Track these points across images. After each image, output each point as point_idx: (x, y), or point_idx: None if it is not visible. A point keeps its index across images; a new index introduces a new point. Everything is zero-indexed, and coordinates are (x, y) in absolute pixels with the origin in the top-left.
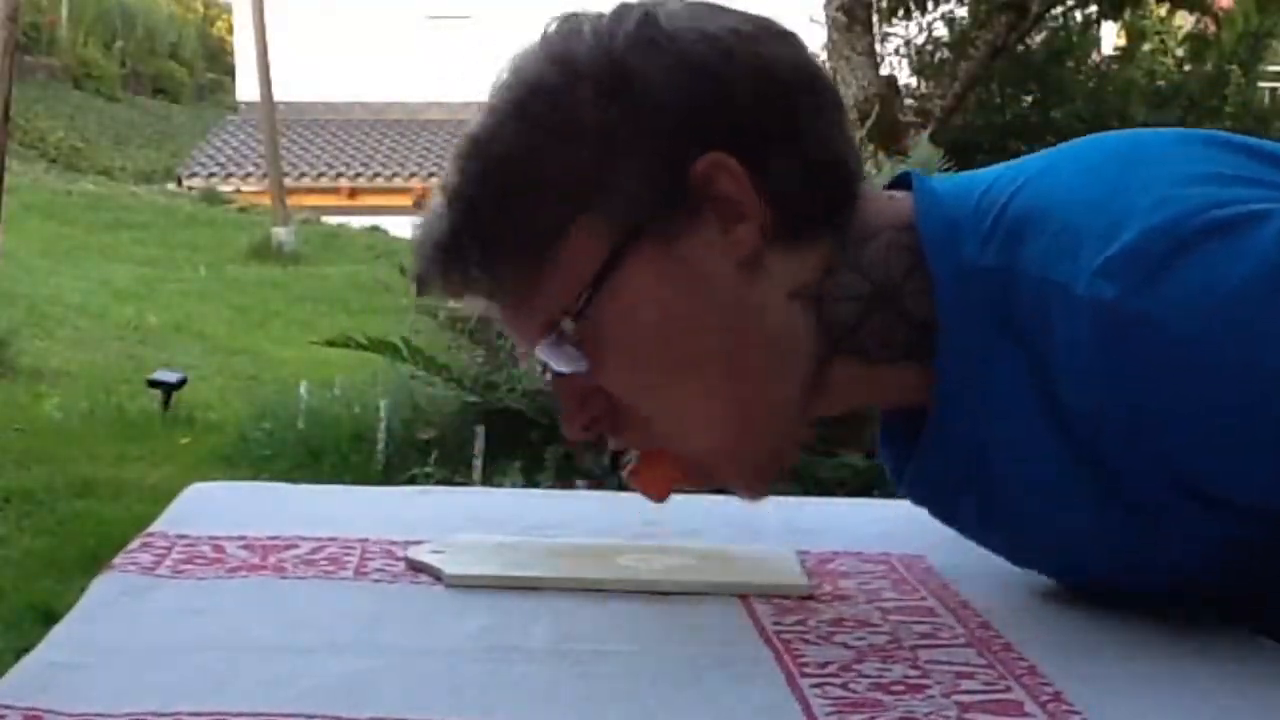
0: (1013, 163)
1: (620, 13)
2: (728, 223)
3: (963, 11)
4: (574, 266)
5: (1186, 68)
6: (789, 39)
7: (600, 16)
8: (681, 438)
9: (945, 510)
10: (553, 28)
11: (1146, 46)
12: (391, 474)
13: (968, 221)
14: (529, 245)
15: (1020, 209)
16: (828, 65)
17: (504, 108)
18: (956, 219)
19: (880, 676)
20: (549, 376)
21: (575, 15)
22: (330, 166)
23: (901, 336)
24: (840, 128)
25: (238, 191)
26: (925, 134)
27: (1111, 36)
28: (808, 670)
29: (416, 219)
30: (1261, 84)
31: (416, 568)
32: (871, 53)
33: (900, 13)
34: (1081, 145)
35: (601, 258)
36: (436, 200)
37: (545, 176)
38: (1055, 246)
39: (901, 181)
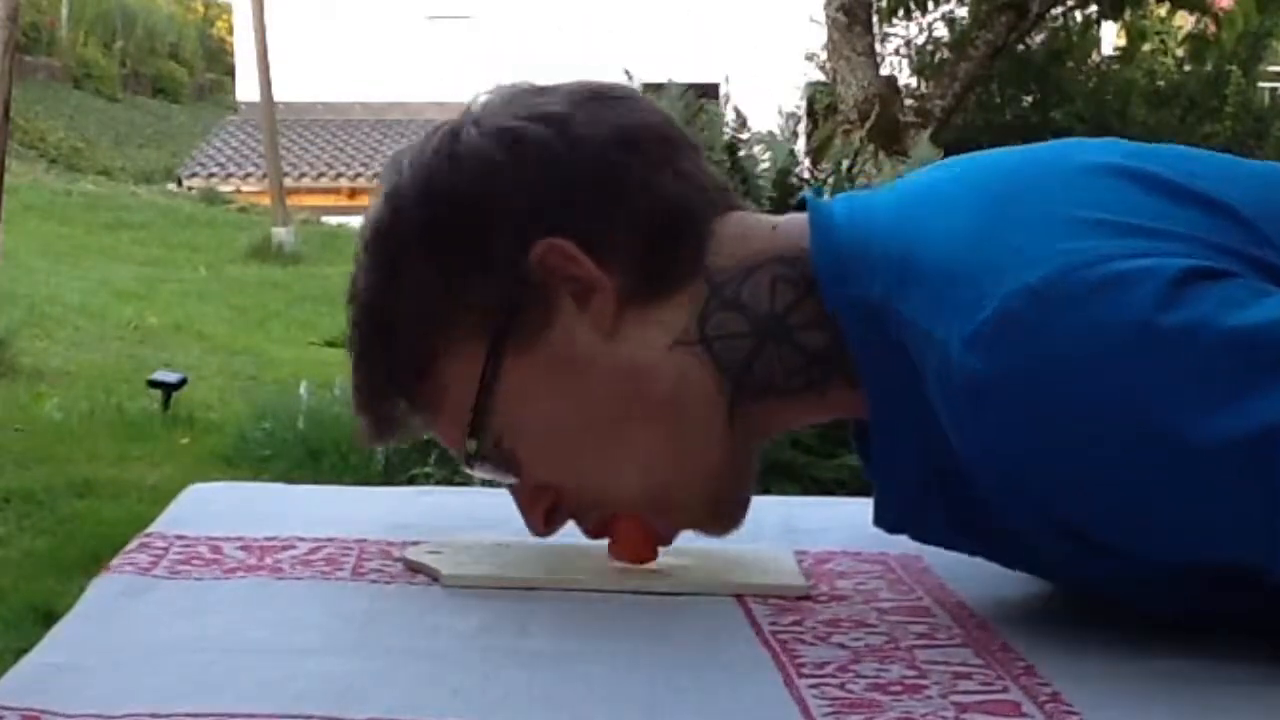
0: (916, 180)
1: (430, 135)
2: (581, 301)
3: (963, 11)
4: (459, 385)
5: (1186, 68)
6: (608, 96)
7: (414, 145)
8: (631, 503)
9: (920, 529)
10: (385, 170)
11: (1146, 46)
12: (391, 474)
13: (858, 253)
14: (410, 379)
15: (903, 248)
16: (828, 65)
17: (360, 255)
18: (847, 251)
19: (878, 677)
20: (502, 485)
21: (400, 154)
22: (330, 166)
23: (800, 366)
24: (678, 172)
25: (238, 192)
26: (925, 134)
27: (1111, 36)
28: (805, 671)
29: None
30: (1261, 84)
31: (414, 568)
32: (871, 53)
33: (900, 13)
34: (971, 171)
35: (476, 375)
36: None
37: (399, 313)
38: (930, 297)
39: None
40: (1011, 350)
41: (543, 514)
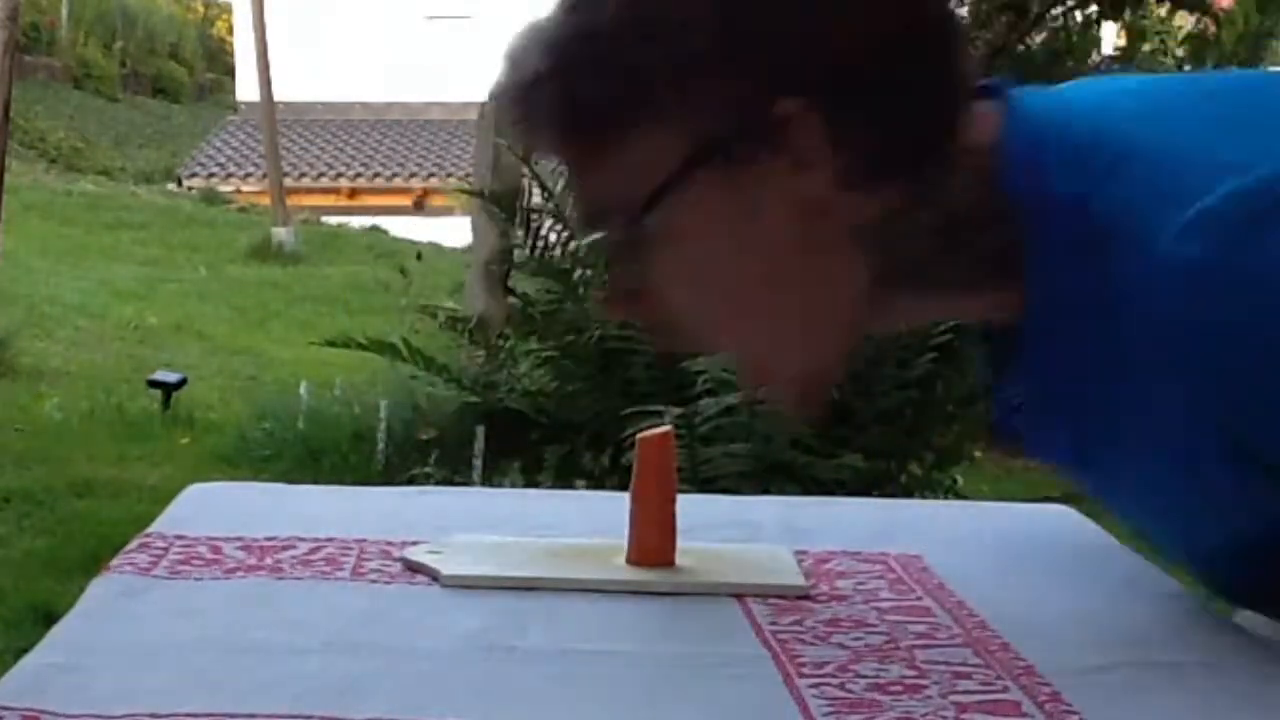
0: (1120, 83)
1: None
2: (798, 167)
3: (963, 11)
4: (642, 165)
5: (1186, 68)
6: None
7: None
8: (722, 349)
9: (1037, 441)
10: None
11: (1146, 46)
12: (391, 474)
13: (1057, 148)
14: (600, 123)
15: (1115, 146)
16: None
17: None
18: (1045, 144)
19: (877, 676)
20: (600, 257)
21: None
22: (330, 166)
23: (981, 265)
24: (946, 69)
25: (238, 192)
26: None
27: (1111, 36)
28: (805, 670)
29: (491, 93)
30: None
31: (413, 568)
32: None
33: None
34: (1182, 83)
35: (668, 168)
36: (530, 39)
37: (639, 60)
38: (1140, 195)
39: (990, 91)
40: (1230, 241)
41: (624, 310)
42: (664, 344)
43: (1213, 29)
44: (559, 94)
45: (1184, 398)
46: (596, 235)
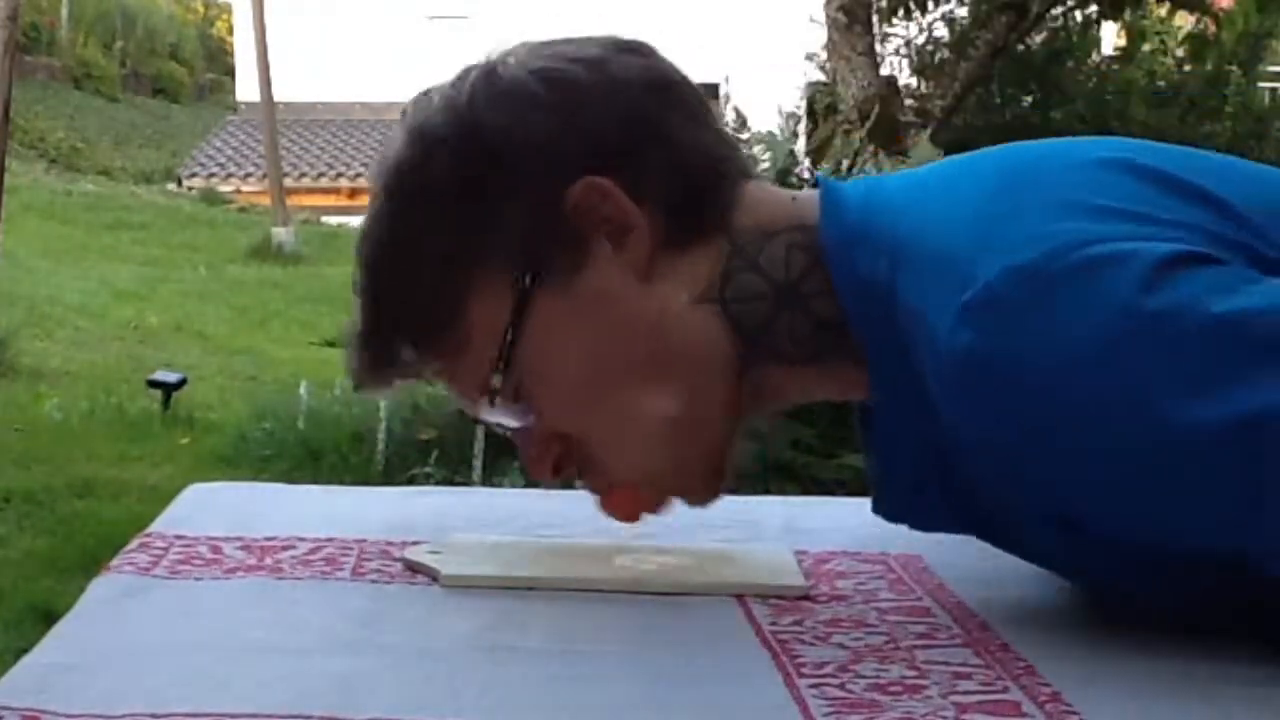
0: (928, 168)
1: (463, 74)
2: (616, 241)
3: (963, 11)
4: (486, 326)
5: (1186, 68)
6: (638, 50)
7: (446, 84)
8: (629, 457)
9: (918, 516)
10: (409, 106)
11: (1146, 46)
12: (391, 474)
13: (864, 232)
14: (437, 318)
15: (906, 229)
16: (828, 65)
17: (378, 194)
18: (855, 228)
19: (878, 677)
20: (508, 431)
21: (428, 90)
22: (330, 166)
23: (810, 334)
24: (707, 126)
25: (238, 192)
26: (925, 134)
27: (1111, 36)
28: (805, 671)
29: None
30: (1261, 84)
31: (413, 568)
32: (871, 53)
33: (900, 13)
34: (977, 161)
35: (508, 310)
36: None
37: (428, 250)
38: (925, 277)
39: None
40: (998, 327)
41: (551, 463)
42: (596, 483)
43: (1213, 29)
44: (392, 316)
45: (1001, 479)
46: (490, 414)
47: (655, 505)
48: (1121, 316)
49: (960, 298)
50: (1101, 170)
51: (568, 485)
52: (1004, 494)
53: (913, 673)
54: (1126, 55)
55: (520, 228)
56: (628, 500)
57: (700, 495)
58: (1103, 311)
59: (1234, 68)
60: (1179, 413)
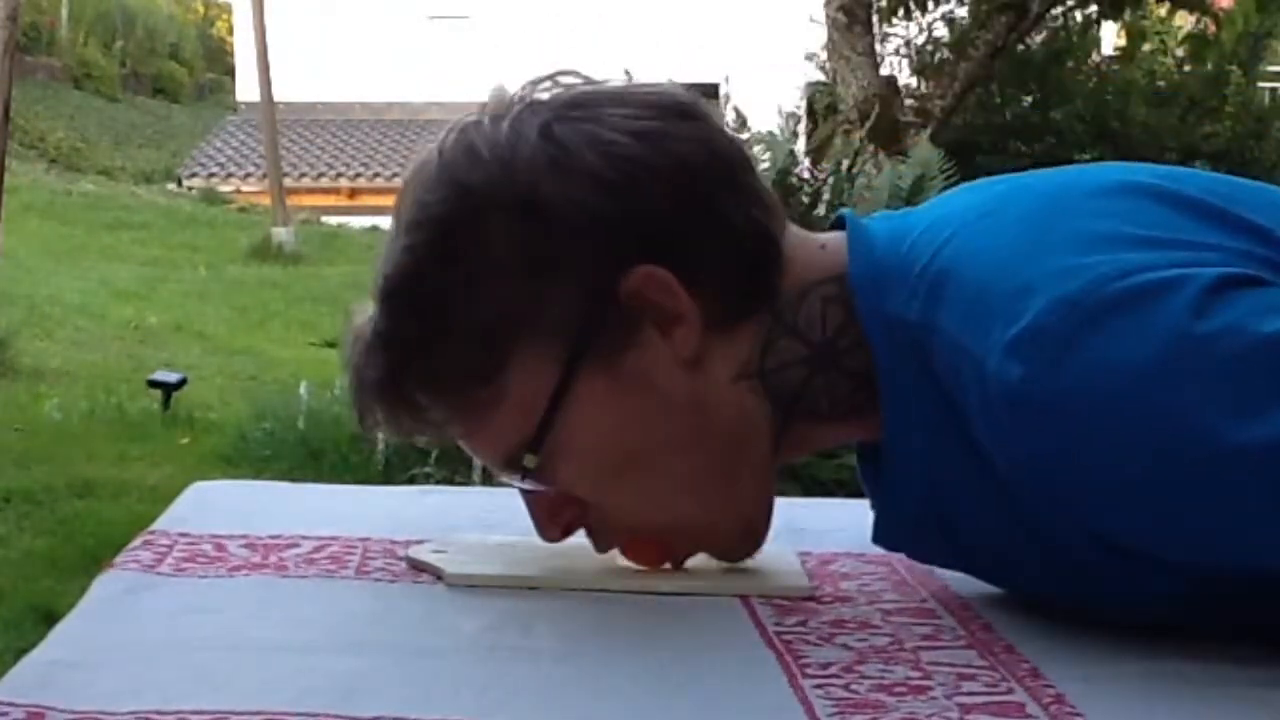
0: (952, 199)
1: (517, 126)
2: (665, 329)
3: (963, 11)
4: (523, 397)
5: (1186, 68)
6: (691, 113)
7: (496, 128)
8: (666, 529)
9: (918, 550)
10: (449, 142)
11: (1146, 46)
12: (391, 474)
13: (896, 271)
14: (472, 383)
15: (942, 264)
16: (828, 65)
17: (419, 248)
18: (886, 268)
19: (882, 678)
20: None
21: (468, 132)
22: (330, 166)
23: (845, 393)
24: (754, 192)
25: (238, 191)
26: (925, 134)
27: (1111, 36)
28: (810, 671)
29: (344, 352)
30: (1261, 84)
31: (417, 567)
32: (871, 53)
33: (900, 13)
34: (1008, 191)
35: (549, 386)
36: (363, 341)
37: (475, 316)
38: (969, 312)
39: (841, 223)
40: (1049, 359)
41: (564, 525)
42: (606, 544)
43: (1213, 29)
44: (429, 370)
45: (1052, 506)
46: (514, 477)
47: (681, 558)
48: (1173, 342)
49: (1007, 332)
50: (1132, 197)
51: None
52: (1048, 516)
53: (917, 674)
54: (1126, 55)
55: (574, 308)
56: (652, 550)
57: (737, 553)
58: (1155, 338)
59: (1234, 68)
60: (1230, 432)
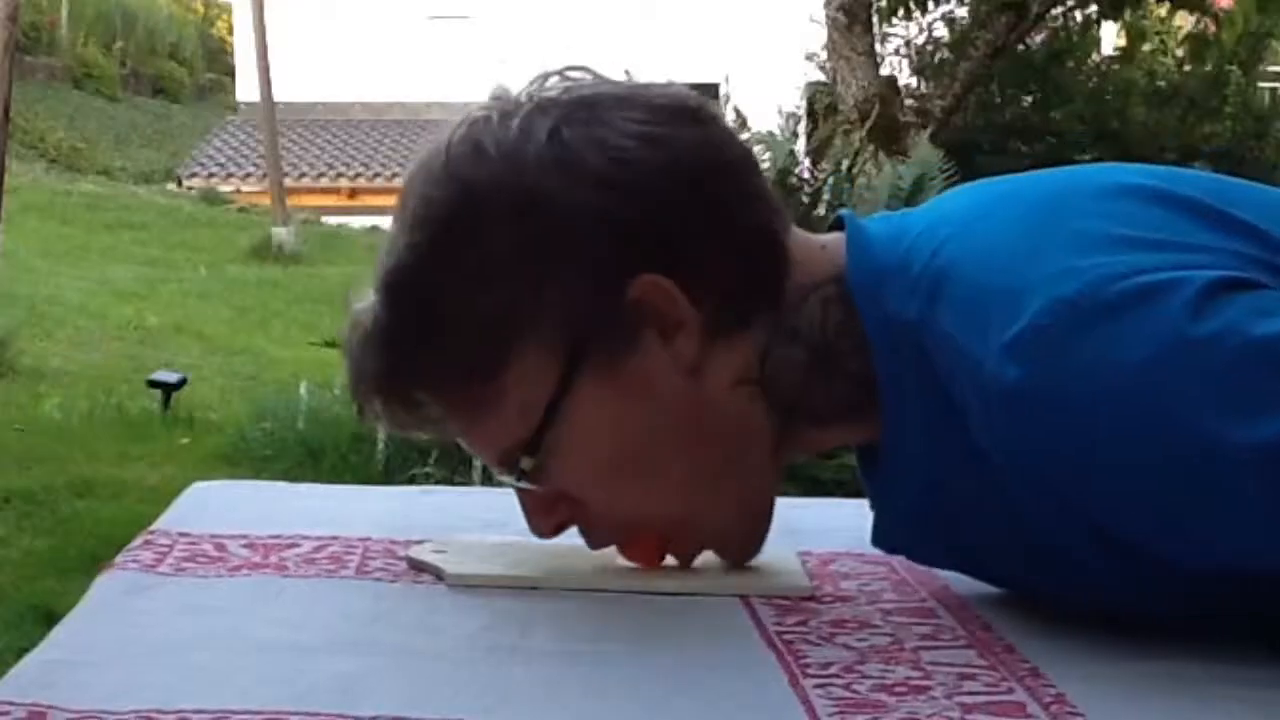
0: (951, 199)
1: (525, 126)
2: (667, 336)
3: (963, 11)
4: (522, 395)
5: (1186, 68)
6: (698, 117)
7: (505, 126)
8: (661, 527)
9: (917, 551)
10: (457, 138)
11: (1146, 46)
12: (391, 474)
13: (895, 271)
14: (471, 381)
15: (941, 264)
16: (828, 65)
17: (422, 244)
18: (885, 268)
19: (883, 678)
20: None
21: (476, 125)
22: (330, 166)
23: (845, 395)
24: (760, 197)
25: (238, 192)
26: (925, 134)
27: (1111, 36)
28: (810, 671)
29: (344, 342)
30: (1261, 84)
31: (418, 567)
32: (871, 53)
33: (900, 13)
34: (1006, 192)
35: (549, 386)
36: (363, 330)
37: (476, 313)
38: (967, 313)
39: (840, 223)
40: (1047, 360)
41: (556, 522)
42: (600, 541)
43: (1213, 29)
44: (421, 366)
45: (1049, 506)
46: (502, 476)
47: (683, 559)
48: (1170, 344)
49: (1005, 333)
50: (1130, 199)
51: None
52: (1047, 517)
53: (918, 673)
54: (1126, 55)
55: (575, 309)
56: (650, 549)
57: (734, 553)
58: (1151, 340)
59: (1234, 68)
60: (1225, 433)
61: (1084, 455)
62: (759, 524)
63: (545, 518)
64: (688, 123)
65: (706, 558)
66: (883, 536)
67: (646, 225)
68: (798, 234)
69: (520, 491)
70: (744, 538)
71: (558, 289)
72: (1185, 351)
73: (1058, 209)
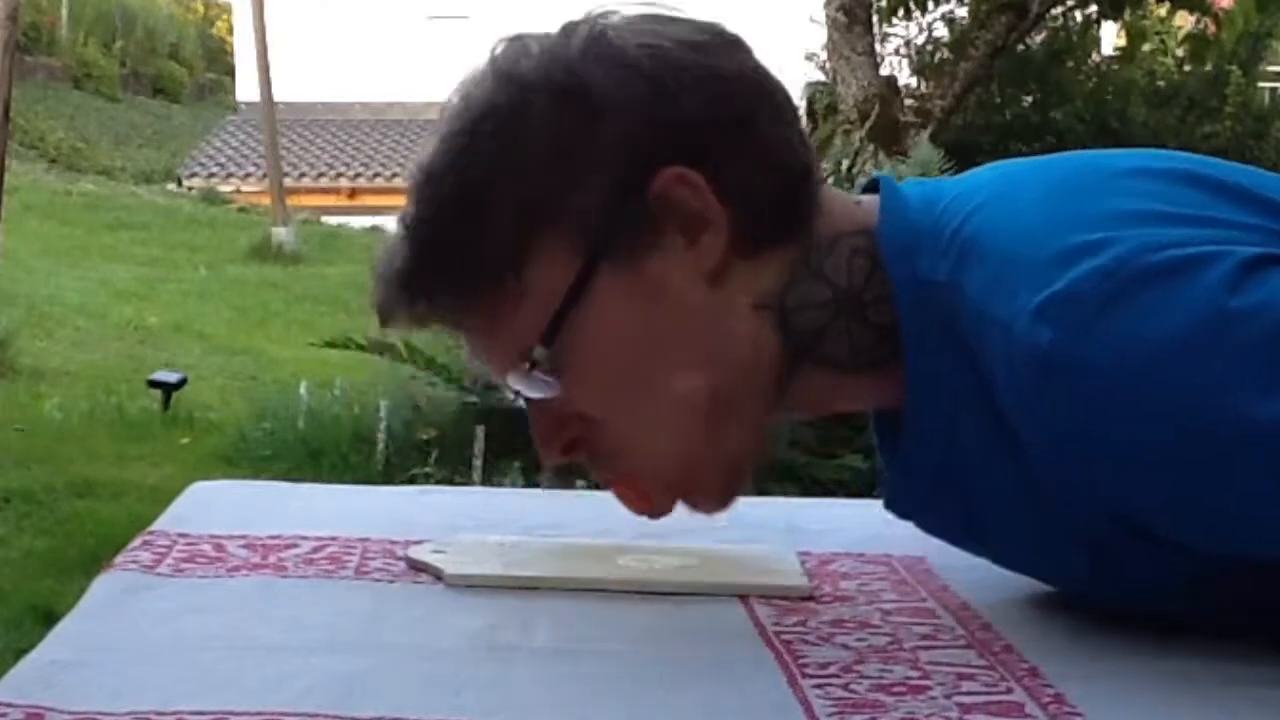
0: (983, 172)
1: (568, 29)
2: (692, 235)
3: (963, 11)
4: (541, 290)
5: (1186, 68)
6: (738, 45)
7: (548, 35)
8: (650, 452)
9: (929, 520)
10: (499, 49)
11: (1146, 46)
12: (391, 474)
13: (927, 233)
14: (492, 270)
15: (972, 230)
16: (828, 65)
17: (455, 134)
18: (918, 229)
19: (881, 678)
20: (522, 401)
21: (521, 36)
22: (330, 166)
23: (866, 343)
24: (795, 130)
25: (238, 192)
26: (925, 134)
27: (1111, 36)
28: (809, 671)
29: (378, 250)
30: (1261, 84)
31: (417, 567)
32: (871, 53)
33: (900, 13)
34: (1038, 166)
35: (568, 280)
36: (396, 231)
37: (502, 198)
38: (996, 278)
39: (874, 186)
40: (1081, 325)
41: (563, 443)
42: (603, 471)
43: (1213, 29)
44: (446, 257)
45: (1071, 477)
46: (517, 381)
47: (662, 505)
48: (1207, 316)
49: (1037, 297)
50: (1161, 180)
51: (567, 485)
52: (1071, 495)
53: (916, 673)
54: (1126, 55)
55: (603, 197)
56: (644, 488)
57: (711, 500)
58: (1188, 311)
59: (1234, 68)
60: (1258, 410)
61: (1110, 423)
62: (741, 473)
63: (554, 438)
64: (732, 46)
65: (707, 556)
66: (896, 501)
67: (679, 121)
68: (831, 188)
69: (531, 409)
70: (722, 488)
71: (583, 178)
72: (1222, 324)
73: (1091, 185)
